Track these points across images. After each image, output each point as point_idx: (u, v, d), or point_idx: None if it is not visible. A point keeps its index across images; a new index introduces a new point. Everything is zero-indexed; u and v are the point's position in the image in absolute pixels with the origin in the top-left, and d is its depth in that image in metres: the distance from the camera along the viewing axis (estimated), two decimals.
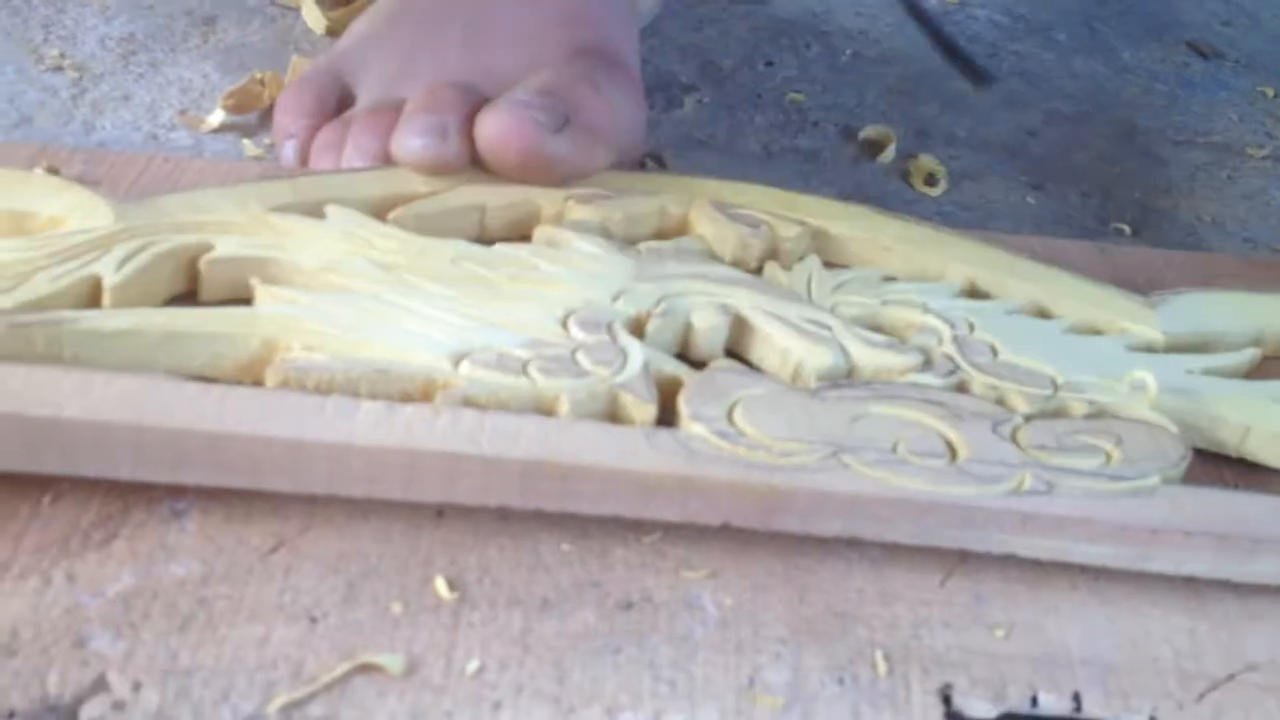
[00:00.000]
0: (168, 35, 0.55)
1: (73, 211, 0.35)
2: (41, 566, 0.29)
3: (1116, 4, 0.83)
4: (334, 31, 0.58)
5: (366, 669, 0.28)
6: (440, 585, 0.30)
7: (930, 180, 0.58)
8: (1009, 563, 0.34)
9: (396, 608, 0.30)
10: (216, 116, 0.50)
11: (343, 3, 0.60)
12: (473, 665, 0.29)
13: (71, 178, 0.39)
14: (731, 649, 0.30)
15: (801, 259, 0.42)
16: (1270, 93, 0.75)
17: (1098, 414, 0.37)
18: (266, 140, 0.50)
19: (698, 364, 0.36)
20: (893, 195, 0.57)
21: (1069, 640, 0.32)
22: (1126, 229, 0.59)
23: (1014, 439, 0.35)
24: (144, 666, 0.27)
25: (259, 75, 0.52)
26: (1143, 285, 0.46)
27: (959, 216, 0.57)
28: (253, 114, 0.51)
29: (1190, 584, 0.34)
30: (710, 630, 0.31)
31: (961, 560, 0.34)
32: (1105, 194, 0.62)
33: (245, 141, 0.50)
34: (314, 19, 0.59)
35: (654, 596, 0.31)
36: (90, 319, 0.32)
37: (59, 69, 0.52)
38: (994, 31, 0.76)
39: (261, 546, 0.30)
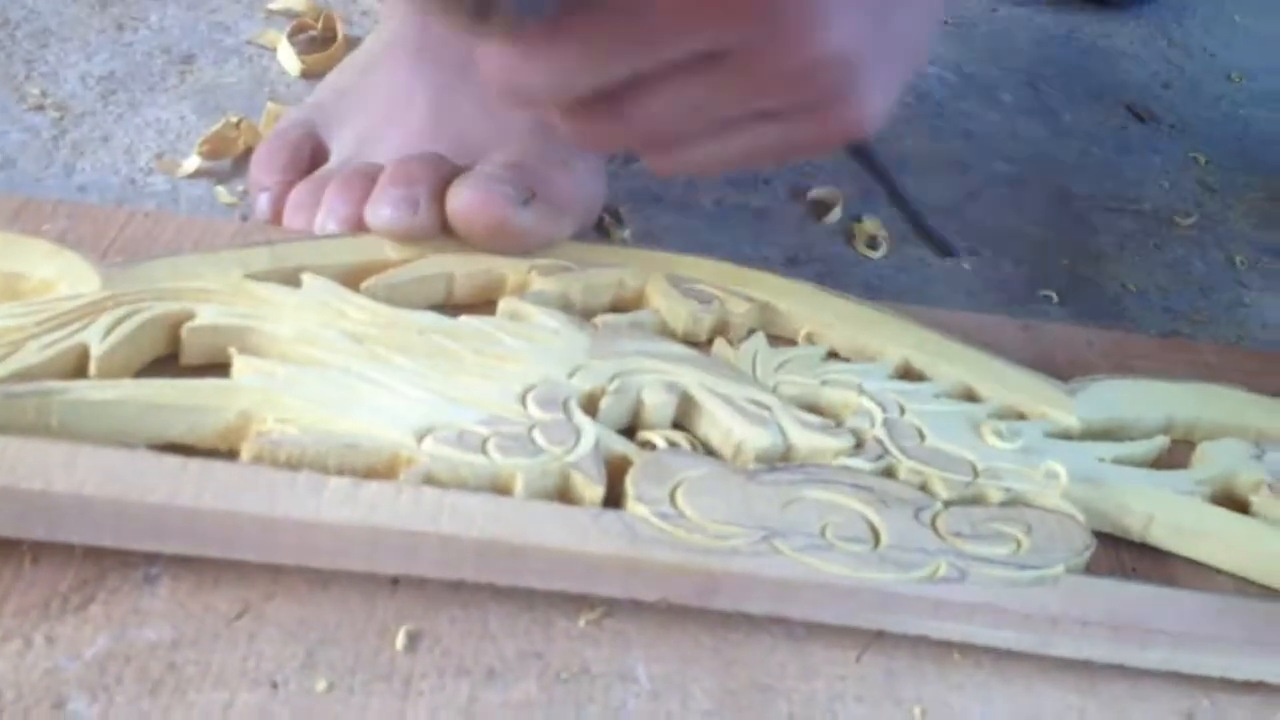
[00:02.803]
0: (146, 74, 0.57)
1: (63, 276, 0.37)
2: (23, 630, 0.31)
3: (1061, 63, 0.87)
4: (309, 74, 0.59)
5: None
6: (394, 655, 0.33)
7: (872, 243, 0.61)
8: (920, 641, 0.36)
9: (351, 675, 0.32)
10: (192, 162, 0.52)
11: (318, 46, 0.62)
12: None
13: (55, 232, 0.41)
14: (662, 718, 0.33)
15: (750, 333, 0.45)
16: (1202, 160, 0.79)
17: (1012, 501, 0.40)
18: (240, 188, 0.52)
19: (646, 442, 0.39)
20: (836, 257, 0.60)
21: (971, 717, 0.35)
22: (1055, 297, 0.62)
23: (933, 525, 0.38)
24: None
25: (234, 119, 0.54)
26: (1064, 363, 0.49)
27: (897, 280, 0.60)
28: (227, 160, 0.53)
29: (1085, 665, 0.37)
30: (642, 702, 0.33)
31: (877, 637, 0.37)
32: (1037, 261, 0.65)
33: (219, 188, 0.52)
34: (289, 61, 0.60)
35: (592, 668, 0.34)
36: (77, 390, 0.34)
37: (40, 108, 0.54)
38: (942, 89, 0.79)
39: (228, 613, 0.33)
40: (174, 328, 0.37)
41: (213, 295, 0.38)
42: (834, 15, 0.27)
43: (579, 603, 0.35)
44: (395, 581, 0.34)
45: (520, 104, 0.29)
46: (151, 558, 0.33)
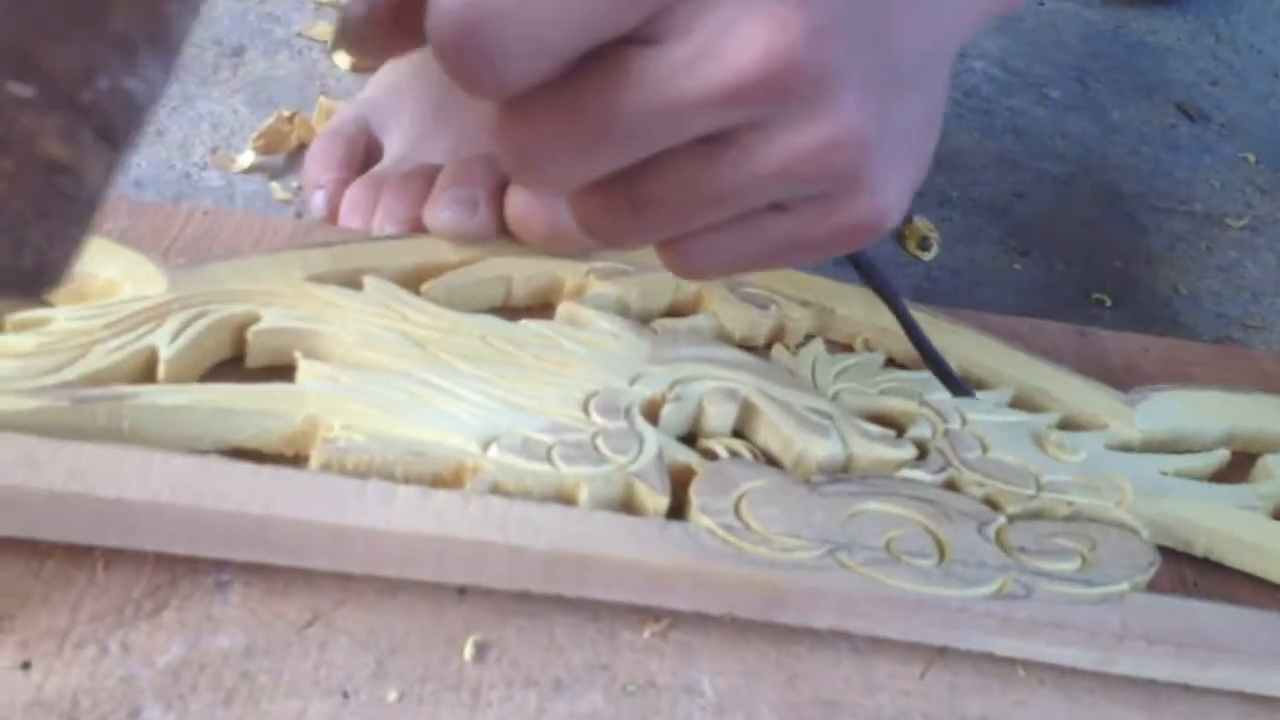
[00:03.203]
0: (198, 66, 0.57)
1: (128, 277, 0.37)
2: (98, 635, 0.31)
3: (1109, 59, 0.86)
4: (359, 68, 0.59)
5: None
6: (462, 665, 0.33)
7: (924, 244, 0.61)
8: (984, 657, 0.36)
9: (421, 685, 0.32)
10: (247, 157, 0.52)
11: None
12: None
13: (117, 231, 0.41)
14: None
15: (807, 340, 0.45)
16: (1252, 159, 0.78)
17: (1075, 515, 0.40)
18: (294, 183, 0.52)
19: (707, 451, 0.39)
20: (887, 259, 0.60)
21: None
22: (1107, 300, 0.62)
23: (998, 540, 0.38)
24: None
25: (287, 114, 0.54)
26: (1120, 370, 0.49)
27: (947, 282, 0.60)
28: (280, 154, 0.53)
29: (1149, 683, 0.37)
30: (708, 715, 0.33)
31: (940, 653, 0.36)
32: (1087, 262, 0.64)
33: (273, 184, 0.51)
34: (340, 56, 0.60)
35: (658, 680, 0.34)
36: (147, 394, 0.34)
37: None
38: (990, 85, 0.78)
39: (298, 620, 0.33)
40: (239, 330, 0.37)
41: (277, 298, 0.38)
42: (846, 97, 0.28)
43: (644, 614, 0.35)
44: (462, 591, 0.34)
45: (535, 184, 0.29)
46: (221, 564, 0.33)
